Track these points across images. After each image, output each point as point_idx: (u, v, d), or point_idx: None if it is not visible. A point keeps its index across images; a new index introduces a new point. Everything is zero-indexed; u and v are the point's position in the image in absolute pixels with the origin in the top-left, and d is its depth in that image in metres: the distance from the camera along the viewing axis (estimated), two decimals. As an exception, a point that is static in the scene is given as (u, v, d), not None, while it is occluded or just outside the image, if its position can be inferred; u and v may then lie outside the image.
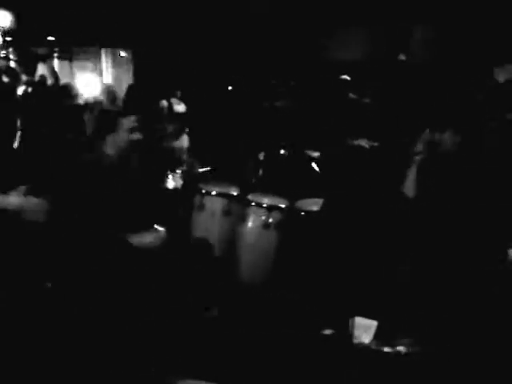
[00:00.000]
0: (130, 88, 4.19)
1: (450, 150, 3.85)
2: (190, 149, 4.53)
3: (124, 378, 2.87)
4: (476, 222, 3.72)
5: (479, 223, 3.76)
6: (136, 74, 7.88)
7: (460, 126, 3.88)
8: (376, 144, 4.63)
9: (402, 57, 6.38)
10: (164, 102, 5.35)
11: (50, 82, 6.75)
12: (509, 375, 3.18)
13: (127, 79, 7.91)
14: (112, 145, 3.25)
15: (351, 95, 5.46)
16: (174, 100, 5.48)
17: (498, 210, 3.83)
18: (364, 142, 4.70)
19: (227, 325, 3.57)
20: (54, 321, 2.99)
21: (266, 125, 4.85)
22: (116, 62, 8.31)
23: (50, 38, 7.78)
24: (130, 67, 8.13)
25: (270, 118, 4.96)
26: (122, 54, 8.25)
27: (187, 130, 4.96)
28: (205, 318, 3.64)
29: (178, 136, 4.55)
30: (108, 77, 8.26)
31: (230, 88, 5.69)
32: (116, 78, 8.12)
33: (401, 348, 3.45)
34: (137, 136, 3.23)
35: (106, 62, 8.37)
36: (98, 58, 8.40)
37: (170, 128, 4.93)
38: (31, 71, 6.90)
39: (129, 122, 3.27)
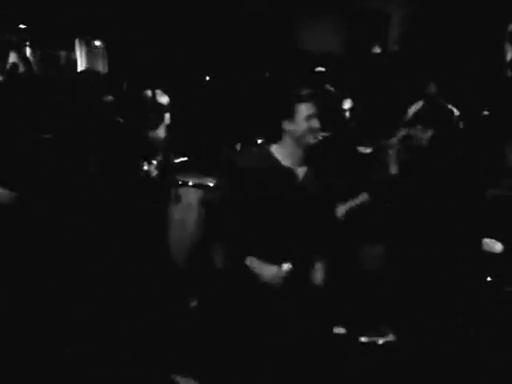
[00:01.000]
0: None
1: (422, 145, 3.91)
2: (166, 139, 4.46)
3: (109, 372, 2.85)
4: (448, 213, 3.78)
5: (451, 214, 3.82)
6: (111, 65, 7.77)
7: (431, 120, 3.94)
8: (327, 135, 4.65)
9: (377, 49, 6.41)
10: (148, 92, 5.29)
11: (21, 70, 6.62)
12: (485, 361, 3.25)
13: (101, 70, 7.79)
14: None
15: (327, 87, 5.47)
16: (158, 91, 5.42)
17: (468, 203, 3.91)
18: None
19: (207, 315, 3.56)
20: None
21: (242, 115, 4.82)
22: (90, 51, 8.17)
23: (21, 26, 7.61)
24: (105, 57, 8.02)
25: (247, 109, 4.93)
26: (97, 43, 8.13)
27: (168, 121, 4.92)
28: (186, 309, 3.64)
29: (154, 127, 4.47)
30: (82, 67, 8.12)
31: (206, 78, 5.64)
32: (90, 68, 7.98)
33: (377, 338, 3.50)
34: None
35: (79, 52, 8.23)
36: (71, 47, 8.26)
37: (152, 118, 4.87)
38: (2, 59, 6.75)
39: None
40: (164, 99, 5.59)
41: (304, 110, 2.73)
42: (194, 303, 3.69)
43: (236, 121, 4.74)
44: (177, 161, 4.31)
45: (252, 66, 6.38)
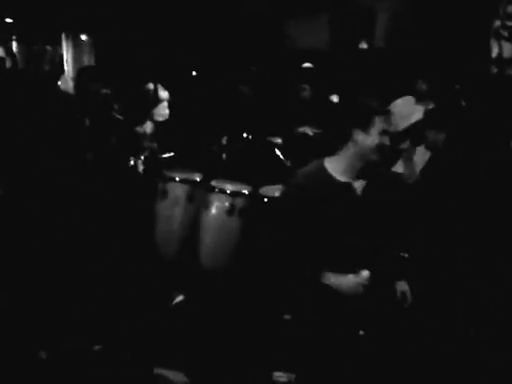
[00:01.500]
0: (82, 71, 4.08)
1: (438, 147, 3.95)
2: (153, 134, 4.47)
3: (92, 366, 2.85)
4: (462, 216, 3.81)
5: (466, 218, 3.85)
6: (98, 59, 7.73)
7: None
8: (319, 131, 4.66)
9: (364, 45, 6.43)
10: (150, 85, 5.31)
11: (8, 65, 6.58)
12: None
13: (88, 64, 7.75)
14: None
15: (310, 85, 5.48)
16: (159, 86, 5.44)
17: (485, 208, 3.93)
18: (309, 130, 4.74)
19: (192, 311, 3.58)
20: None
21: (229, 110, 4.82)
22: (76, 46, 8.12)
23: (8, 20, 7.55)
24: (92, 52, 7.97)
25: (234, 104, 4.93)
26: (83, 38, 8.08)
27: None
28: (170, 304, 3.64)
29: (141, 122, 4.49)
30: (69, 61, 8.07)
31: (193, 73, 5.64)
32: (77, 63, 7.94)
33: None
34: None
35: (66, 47, 8.17)
36: (58, 41, 8.20)
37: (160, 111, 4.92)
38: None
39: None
40: (165, 94, 5.63)
41: (379, 123, 2.61)
42: (180, 297, 3.70)
43: (222, 116, 4.75)
44: (164, 156, 4.31)
45: (241, 62, 6.38)
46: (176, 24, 6.72)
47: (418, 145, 4.42)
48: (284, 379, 3.07)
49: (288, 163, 4.29)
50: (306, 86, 5.45)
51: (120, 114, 3.92)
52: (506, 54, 6.11)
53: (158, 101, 5.33)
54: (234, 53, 6.48)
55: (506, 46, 6.12)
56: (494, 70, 6.02)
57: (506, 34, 6.11)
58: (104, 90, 3.78)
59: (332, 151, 4.17)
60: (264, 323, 3.48)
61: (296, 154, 4.39)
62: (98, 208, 3.86)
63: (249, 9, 6.69)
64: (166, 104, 5.36)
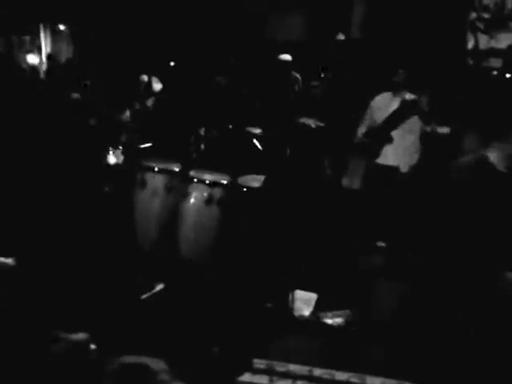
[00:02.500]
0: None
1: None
2: (131, 124, 4.46)
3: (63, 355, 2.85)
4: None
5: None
6: (76, 49, 7.66)
7: None
8: (322, 124, 4.71)
9: (341, 36, 6.45)
10: (144, 77, 5.29)
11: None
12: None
13: (66, 54, 7.68)
14: None
15: (294, 75, 5.52)
16: (154, 78, 5.43)
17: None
18: (311, 122, 4.78)
19: (172, 300, 3.59)
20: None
21: (207, 101, 4.83)
22: (55, 36, 8.05)
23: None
24: (70, 42, 7.90)
25: (212, 94, 4.94)
26: (61, 28, 8.00)
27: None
28: (148, 295, 3.65)
29: (121, 111, 4.48)
30: (46, 51, 7.98)
31: (172, 64, 5.62)
32: (55, 53, 7.86)
33: (339, 319, 3.58)
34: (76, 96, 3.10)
35: (44, 37, 8.09)
36: (36, 32, 8.11)
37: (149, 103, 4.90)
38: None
39: None
40: (158, 86, 5.62)
41: None
42: (159, 287, 3.72)
43: (201, 106, 4.75)
44: (142, 146, 4.31)
45: (218, 53, 6.37)
46: (154, 15, 6.68)
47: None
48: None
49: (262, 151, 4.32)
50: (298, 77, 5.50)
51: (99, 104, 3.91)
52: (481, 46, 6.20)
53: (151, 93, 5.33)
54: (212, 44, 6.47)
55: (482, 37, 6.20)
56: (470, 61, 6.10)
57: (481, 26, 6.19)
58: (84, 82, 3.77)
59: (332, 144, 4.23)
60: (245, 311, 3.52)
61: (295, 145, 4.44)
62: (76, 198, 3.86)
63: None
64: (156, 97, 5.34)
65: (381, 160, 4.82)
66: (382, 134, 4.78)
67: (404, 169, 4.77)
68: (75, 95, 4.29)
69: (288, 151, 4.41)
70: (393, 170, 4.74)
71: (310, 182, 4.34)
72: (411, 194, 4.50)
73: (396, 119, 4.70)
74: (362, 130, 4.99)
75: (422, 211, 4.30)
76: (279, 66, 5.41)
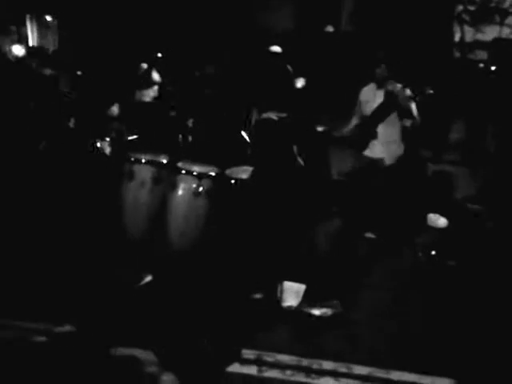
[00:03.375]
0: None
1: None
2: (119, 116, 4.44)
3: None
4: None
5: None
6: (61, 40, 7.59)
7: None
8: (284, 115, 4.70)
9: (330, 28, 6.45)
10: (144, 66, 5.25)
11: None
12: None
13: (52, 45, 7.61)
14: None
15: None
16: (153, 68, 5.40)
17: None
18: (273, 115, 4.77)
19: (161, 291, 3.60)
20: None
21: (195, 92, 4.82)
22: (41, 27, 7.96)
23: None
24: (56, 33, 7.83)
25: (199, 85, 4.92)
26: (48, 19, 7.92)
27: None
28: (137, 286, 3.66)
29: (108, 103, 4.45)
30: (33, 42, 7.90)
31: (159, 55, 5.59)
32: (41, 44, 7.79)
33: (327, 310, 3.61)
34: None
35: (30, 27, 8.00)
36: (22, 22, 8.01)
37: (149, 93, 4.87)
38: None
39: None
40: (157, 76, 5.59)
41: None
42: (148, 278, 3.72)
43: (189, 97, 4.73)
44: (130, 138, 4.29)
45: (208, 43, 6.34)
46: (140, 5, 6.63)
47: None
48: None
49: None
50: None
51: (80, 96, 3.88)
52: (467, 39, 6.24)
53: (150, 83, 5.30)
54: (199, 34, 6.45)
55: (468, 30, 6.24)
56: (457, 53, 6.14)
57: (468, 18, 6.23)
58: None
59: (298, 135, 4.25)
60: (233, 303, 3.54)
61: (260, 138, 4.43)
62: (65, 191, 3.84)
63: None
64: (156, 87, 5.31)
65: (368, 152, 4.86)
66: (369, 127, 4.82)
67: (388, 161, 4.81)
68: (48, 71, 4.21)
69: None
70: (378, 162, 4.79)
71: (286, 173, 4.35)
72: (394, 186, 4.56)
73: (381, 112, 4.73)
74: (354, 122, 5.03)
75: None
76: (270, 57, 5.40)
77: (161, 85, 5.41)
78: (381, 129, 4.78)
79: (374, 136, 4.75)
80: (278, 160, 3.79)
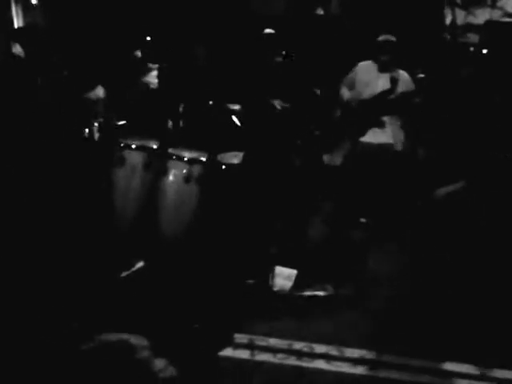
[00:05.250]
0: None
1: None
2: (106, 100, 4.38)
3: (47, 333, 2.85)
4: None
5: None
6: (48, 22, 7.46)
7: None
8: (287, 106, 4.68)
9: (320, 11, 6.40)
10: (138, 53, 5.19)
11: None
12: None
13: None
14: None
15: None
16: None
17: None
18: (276, 103, 4.76)
19: (152, 276, 3.60)
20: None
21: (186, 77, 4.76)
22: (26, 8, 7.83)
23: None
24: (42, 15, 7.70)
25: (190, 70, 4.87)
26: (33, 1, 7.79)
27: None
28: (128, 273, 3.65)
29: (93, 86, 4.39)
30: (18, 24, 7.77)
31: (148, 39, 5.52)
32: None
33: (318, 292, 3.65)
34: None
35: (15, 9, 7.87)
36: (6, 4, 7.87)
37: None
38: None
39: None
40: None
41: None
42: (139, 264, 3.71)
43: (179, 82, 4.69)
44: (119, 123, 4.24)
45: (198, 27, 6.27)
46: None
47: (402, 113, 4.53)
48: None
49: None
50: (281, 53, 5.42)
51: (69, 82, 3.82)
52: (459, 22, 6.22)
53: (146, 69, 5.23)
54: (190, 18, 6.36)
55: (460, 13, 6.22)
56: (448, 37, 6.12)
57: (459, 1, 6.20)
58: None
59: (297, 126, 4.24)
60: (225, 288, 3.55)
61: (261, 125, 4.42)
62: (54, 177, 3.80)
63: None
64: (155, 73, 5.23)
65: (369, 139, 4.76)
66: (372, 113, 4.73)
67: (398, 147, 4.75)
68: (18, 50, 4.11)
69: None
70: (384, 148, 4.70)
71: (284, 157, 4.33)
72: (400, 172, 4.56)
73: (386, 99, 4.65)
74: (346, 95, 4.88)
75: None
76: (263, 40, 5.36)
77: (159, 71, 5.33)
78: (388, 118, 4.70)
79: (381, 125, 4.67)
80: (271, 146, 3.78)
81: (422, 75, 4.58)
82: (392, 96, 4.63)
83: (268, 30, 5.52)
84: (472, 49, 5.85)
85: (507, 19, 5.92)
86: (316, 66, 5.44)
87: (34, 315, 3.02)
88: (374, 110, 4.71)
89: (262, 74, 4.95)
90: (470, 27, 6.08)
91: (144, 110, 4.51)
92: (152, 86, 5.07)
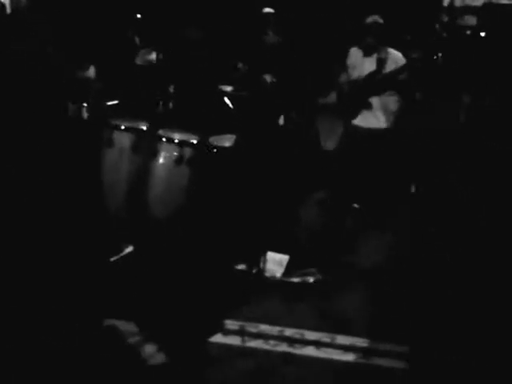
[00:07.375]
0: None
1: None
2: (96, 80, 4.28)
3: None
4: None
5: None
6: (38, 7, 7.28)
7: None
8: (275, 80, 4.62)
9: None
10: (137, 40, 5.09)
11: None
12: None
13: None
14: None
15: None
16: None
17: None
18: (268, 77, 4.69)
19: (142, 261, 3.57)
20: None
21: (176, 57, 4.67)
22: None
23: None
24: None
25: (182, 51, 4.77)
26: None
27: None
28: (117, 257, 3.61)
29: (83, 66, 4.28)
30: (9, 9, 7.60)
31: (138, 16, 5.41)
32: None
33: (307, 277, 3.63)
34: None
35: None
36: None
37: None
38: None
39: None
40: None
41: None
42: (129, 248, 3.67)
43: (170, 63, 4.60)
44: (109, 103, 4.15)
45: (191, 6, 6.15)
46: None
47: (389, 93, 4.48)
48: None
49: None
50: (270, 32, 5.35)
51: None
52: (457, 3, 6.13)
53: (137, 47, 5.12)
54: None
55: (458, -6, 6.13)
56: (445, 18, 6.04)
57: (457, -18, 6.11)
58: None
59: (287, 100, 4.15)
60: (216, 273, 3.52)
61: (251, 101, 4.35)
62: (41, 157, 3.72)
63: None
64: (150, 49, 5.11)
65: (360, 122, 4.69)
66: (359, 95, 4.68)
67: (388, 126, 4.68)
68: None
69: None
70: (373, 132, 4.64)
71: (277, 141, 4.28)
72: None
73: (373, 81, 4.58)
74: (340, 87, 4.84)
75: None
76: (260, 19, 5.28)
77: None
78: (376, 99, 4.62)
79: (368, 106, 4.60)
80: (264, 127, 3.72)
81: (416, 56, 4.48)
82: (379, 76, 4.56)
83: (267, 10, 5.45)
84: (469, 32, 5.78)
85: (505, 1, 5.83)
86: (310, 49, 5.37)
87: (22, 298, 2.98)
88: (362, 91, 4.65)
89: (255, 51, 4.89)
90: (468, 9, 6.00)
91: (134, 90, 4.42)
92: (145, 64, 4.96)
